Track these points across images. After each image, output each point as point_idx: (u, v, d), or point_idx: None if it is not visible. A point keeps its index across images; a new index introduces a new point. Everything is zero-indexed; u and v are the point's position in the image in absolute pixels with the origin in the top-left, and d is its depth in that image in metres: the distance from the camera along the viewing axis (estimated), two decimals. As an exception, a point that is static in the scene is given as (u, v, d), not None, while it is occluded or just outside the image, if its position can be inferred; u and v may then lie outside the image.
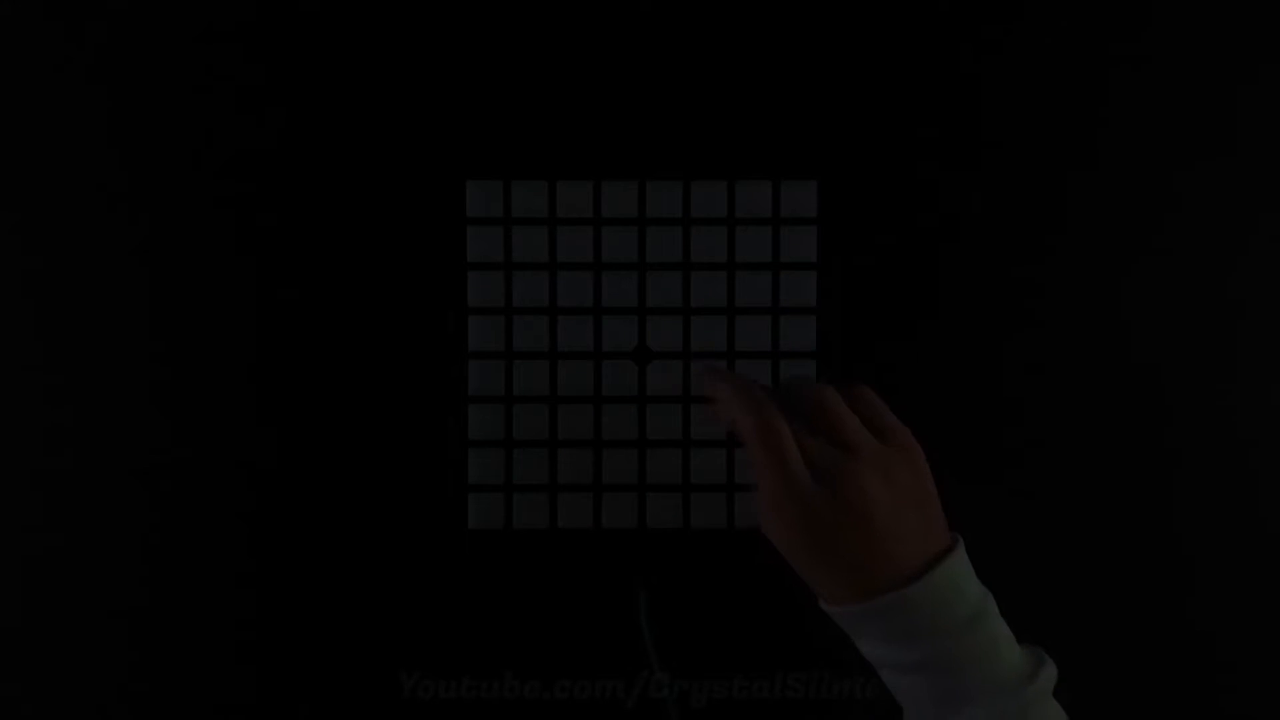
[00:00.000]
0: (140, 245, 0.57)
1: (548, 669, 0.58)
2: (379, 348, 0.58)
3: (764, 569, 0.53)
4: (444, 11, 0.57)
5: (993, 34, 0.58)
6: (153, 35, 0.57)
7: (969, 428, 0.58)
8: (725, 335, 0.57)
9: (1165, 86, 0.58)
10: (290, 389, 0.58)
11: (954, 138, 0.58)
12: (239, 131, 0.57)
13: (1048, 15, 0.57)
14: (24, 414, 0.57)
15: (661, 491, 0.58)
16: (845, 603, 0.48)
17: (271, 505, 0.58)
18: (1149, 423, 0.58)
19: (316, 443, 0.58)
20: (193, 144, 0.57)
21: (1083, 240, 0.58)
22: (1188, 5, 0.57)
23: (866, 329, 0.58)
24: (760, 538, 0.49)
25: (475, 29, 0.57)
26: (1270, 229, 0.58)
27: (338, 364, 0.58)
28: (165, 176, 0.57)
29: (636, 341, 0.58)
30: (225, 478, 0.58)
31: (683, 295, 0.57)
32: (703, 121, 0.58)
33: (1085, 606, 0.59)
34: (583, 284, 0.57)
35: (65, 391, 0.57)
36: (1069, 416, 0.58)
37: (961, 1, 0.57)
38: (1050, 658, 0.48)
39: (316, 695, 0.58)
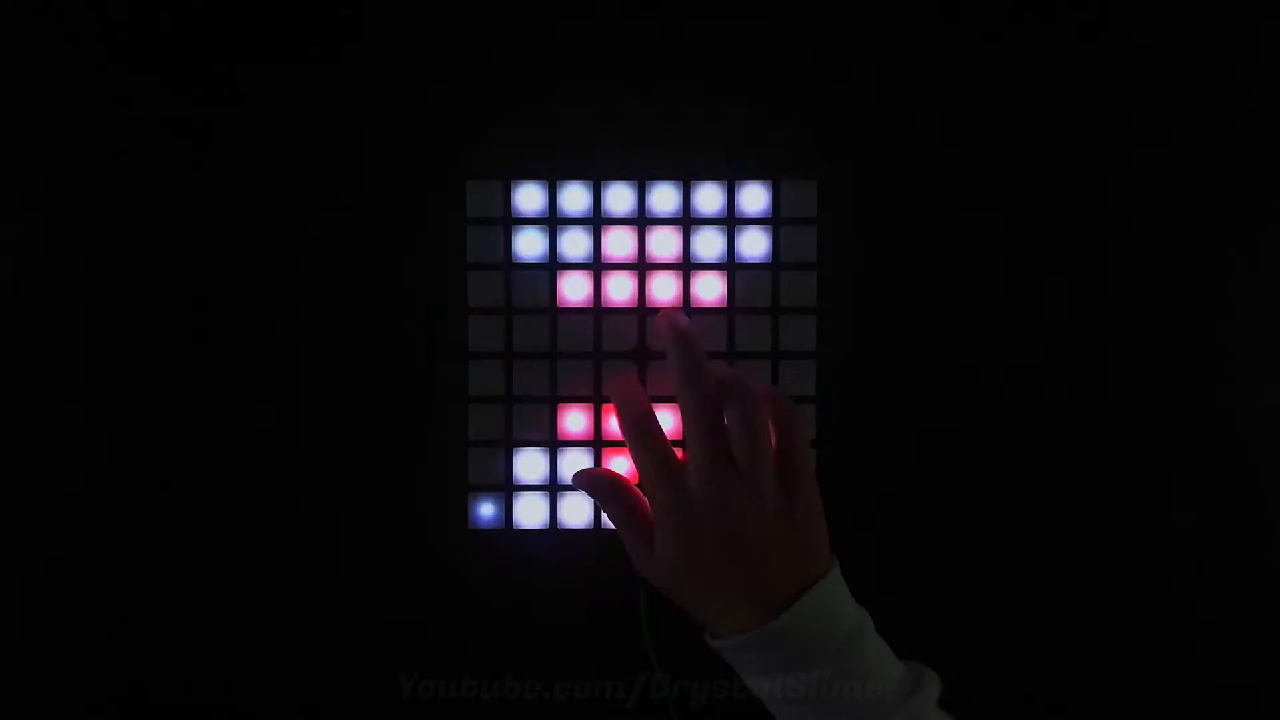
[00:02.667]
0: (138, 245, 0.57)
1: (548, 669, 0.58)
2: (379, 348, 0.58)
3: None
4: (444, 12, 0.57)
5: (993, 34, 0.58)
6: (152, 34, 0.57)
7: (969, 427, 0.58)
8: (725, 335, 0.57)
9: (1166, 86, 0.58)
10: (290, 388, 0.58)
11: (954, 138, 0.58)
12: (239, 132, 0.57)
13: (1048, 15, 0.57)
14: (23, 414, 0.57)
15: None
16: (724, 635, 0.49)
17: (272, 504, 0.58)
18: (1150, 423, 0.58)
19: (316, 442, 0.58)
20: (192, 144, 0.57)
21: (1083, 240, 0.58)
22: (1186, 5, 0.58)
23: (866, 329, 0.58)
24: None
25: (475, 29, 0.57)
26: (1275, 230, 0.58)
27: (338, 364, 0.58)
28: (164, 177, 0.57)
29: (636, 341, 0.58)
30: (225, 477, 0.58)
31: (683, 295, 0.57)
32: (702, 121, 0.58)
33: (1082, 605, 0.59)
34: (583, 284, 0.57)
35: (63, 392, 0.57)
36: (1069, 415, 0.58)
37: (962, 1, 0.57)
38: (933, 672, 0.49)
39: (317, 695, 0.58)
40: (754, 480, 0.49)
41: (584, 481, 0.54)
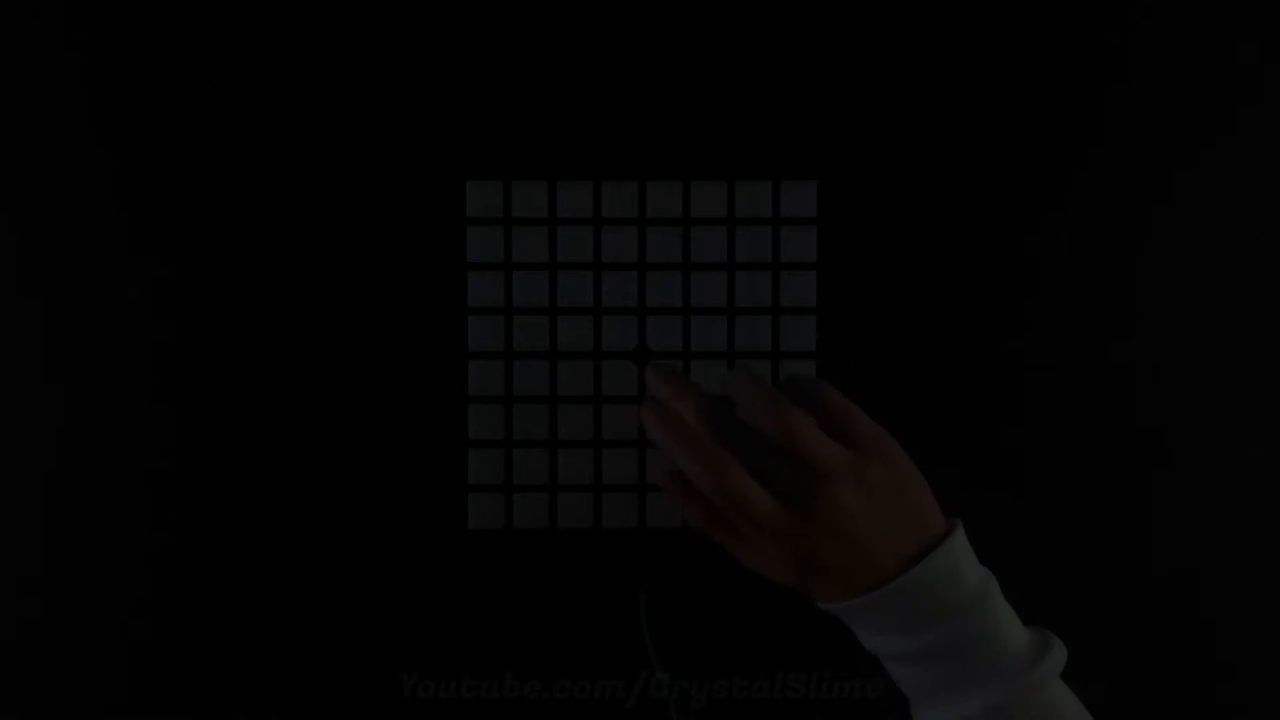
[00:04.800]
0: (140, 245, 0.57)
1: (548, 669, 0.58)
2: (379, 348, 0.58)
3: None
4: (444, 12, 0.57)
5: (992, 33, 0.57)
6: (154, 34, 0.57)
7: (969, 427, 0.58)
8: (725, 335, 0.57)
9: (1166, 86, 0.58)
10: (290, 389, 0.58)
11: (954, 138, 0.58)
12: (239, 131, 0.57)
13: (1047, 15, 0.57)
14: (23, 414, 0.57)
15: (661, 491, 0.57)
16: (843, 600, 0.48)
17: (272, 505, 0.58)
18: (1148, 422, 0.58)
19: (317, 443, 0.58)
20: (192, 143, 0.57)
21: (1083, 241, 0.58)
22: (1186, 5, 0.58)
23: (866, 329, 0.58)
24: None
25: (475, 29, 0.57)
26: (1274, 230, 0.58)
27: (338, 364, 0.58)
28: (165, 176, 0.57)
29: (636, 341, 0.58)
30: (225, 477, 0.58)
31: (683, 295, 0.57)
32: (702, 121, 0.58)
33: (1081, 604, 0.59)
34: (583, 284, 0.57)
35: (65, 392, 0.57)
36: (1068, 415, 0.58)
37: (961, 1, 0.57)
38: (1059, 639, 0.48)
39: (317, 695, 0.58)
40: (803, 442, 0.46)
41: (663, 479, 0.51)
